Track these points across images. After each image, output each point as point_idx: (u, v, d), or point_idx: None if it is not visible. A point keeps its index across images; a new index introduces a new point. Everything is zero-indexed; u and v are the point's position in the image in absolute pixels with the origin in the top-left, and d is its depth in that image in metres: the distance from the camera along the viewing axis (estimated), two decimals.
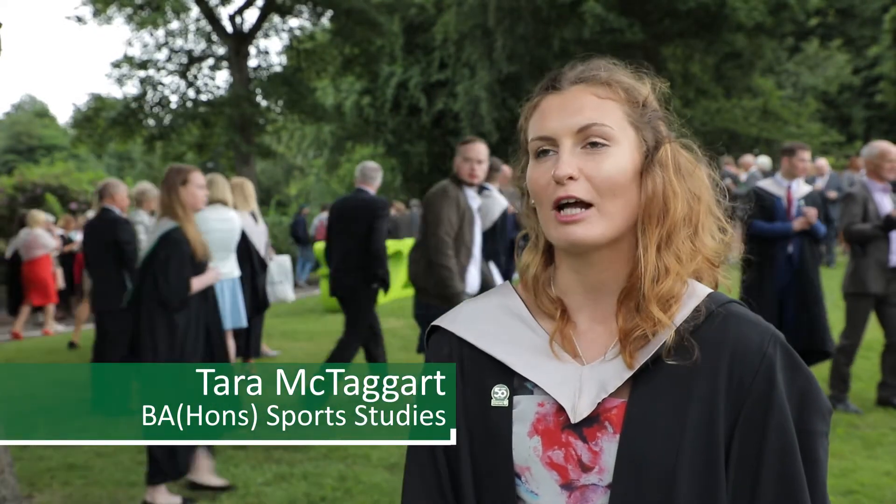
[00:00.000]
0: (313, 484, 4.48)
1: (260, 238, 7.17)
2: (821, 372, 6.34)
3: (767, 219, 5.56)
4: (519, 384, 1.11)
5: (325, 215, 19.67)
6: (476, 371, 1.13)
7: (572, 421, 1.06)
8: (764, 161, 13.02)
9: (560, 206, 1.06)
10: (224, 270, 6.32)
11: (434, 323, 1.20)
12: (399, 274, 13.18)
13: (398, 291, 13.10)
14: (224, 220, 6.31)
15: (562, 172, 1.05)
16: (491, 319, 1.17)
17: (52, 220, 12.74)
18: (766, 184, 5.85)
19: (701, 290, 1.10)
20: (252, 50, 21.72)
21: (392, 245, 13.30)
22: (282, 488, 4.44)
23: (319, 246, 11.96)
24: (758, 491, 1.02)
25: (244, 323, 6.47)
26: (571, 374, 1.08)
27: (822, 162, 12.58)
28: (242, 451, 5.13)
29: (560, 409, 1.07)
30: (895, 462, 4.54)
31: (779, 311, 5.50)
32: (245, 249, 6.84)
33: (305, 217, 19.78)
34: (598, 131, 1.07)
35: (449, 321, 1.18)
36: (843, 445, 4.76)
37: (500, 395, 1.10)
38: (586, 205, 1.06)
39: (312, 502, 4.25)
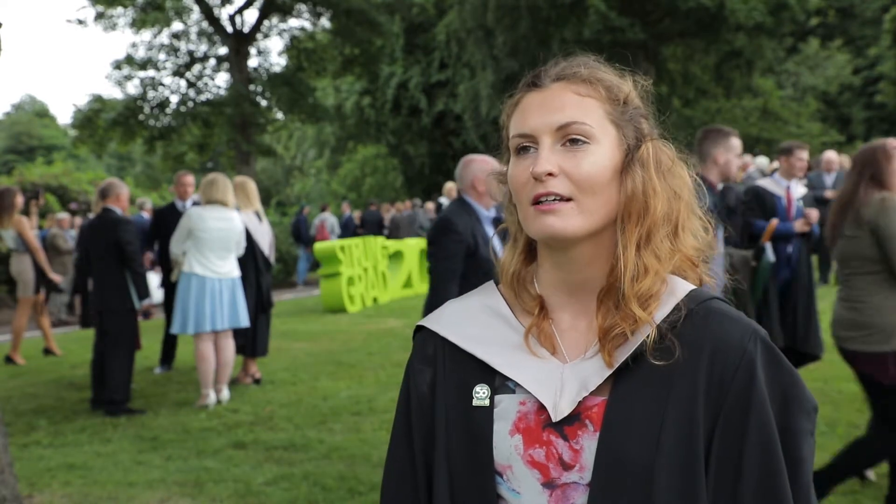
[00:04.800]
0: (314, 484, 4.48)
1: (264, 237, 7.14)
2: (824, 371, 6.33)
3: (768, 218, 5.54)
4: (500, 383, 1.11)
5: (325, 215, 19.69)
6: (459, 371, 1.14)
7: (553, 419, 1.06)
8: (762, 161, 12.79)
9: (539, 201, 1.07)
10: (223, 270, 6.33)
11: (419, 323, 1.21)
12: (399, 274, 13.18)
13: (398, 291, 13.10)
14: (223, 219, 6.31)
15: (540, 169, 1.05)
16: (473, 319, 1.17)
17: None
18: (766, 183, 5.83)
19: (682, 288, 1.10)
20: (252, 50, 21.73)
21: (392, 245, 13.30)
22: (282, 488, 4.44)
23: (319, 246, 11.95)
24: (739, 489, 1.01)
25: (244, 323, 6.47)
26: (552, 372, 1.09)
27: (831, 156, 11.05)
28: (243, 451, 5.13)
29: (541, 408, 1.07)
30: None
31: (780, 311, 5.48)
32: (249, 249, 6.84)
33: (306, 217, 19.79)
34: (577, 129, 1.06)
35: (433, 321, 1.20)
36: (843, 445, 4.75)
37: (481, 394, 1.11)
38: (565, 199, 1.06)
39: (313, 502, 4.25)
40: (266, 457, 5.01)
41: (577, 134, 1.07)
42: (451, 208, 4.08)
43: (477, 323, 1.17)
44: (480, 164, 4.09)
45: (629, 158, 1.09)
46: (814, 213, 5.53)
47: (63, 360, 8.82)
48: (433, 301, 3.84)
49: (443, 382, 1.15)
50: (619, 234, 1.08)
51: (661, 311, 1.07)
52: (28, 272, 8.60)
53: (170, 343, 7.87)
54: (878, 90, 27.80)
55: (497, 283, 1.22)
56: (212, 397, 6.31)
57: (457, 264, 3.83)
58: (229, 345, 6.49)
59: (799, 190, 5.69)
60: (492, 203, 4.06)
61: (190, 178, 7.72)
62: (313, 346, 8.89)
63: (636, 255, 1.07)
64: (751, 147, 22.26)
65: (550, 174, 1.05)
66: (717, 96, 25.51)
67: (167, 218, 7.45)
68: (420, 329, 1.21)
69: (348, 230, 18.83)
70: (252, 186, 7.21)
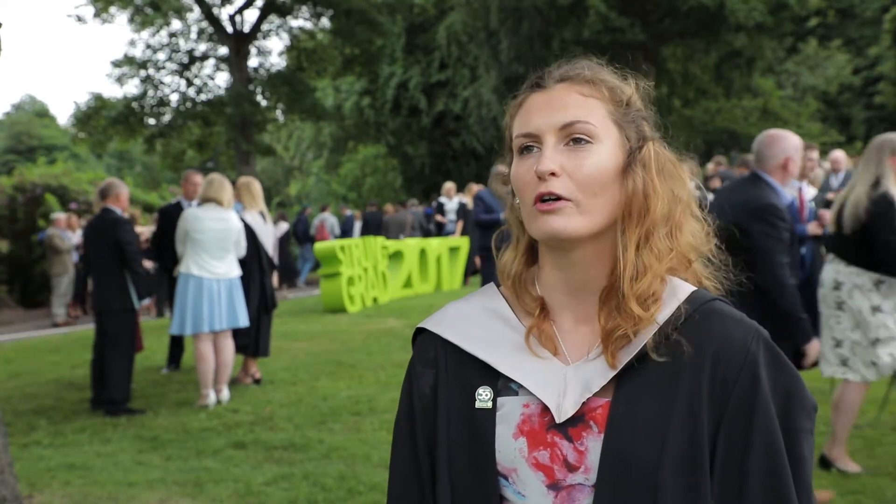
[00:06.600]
0: (314, 484, 4.47)
1: (268, 237, 7.12)
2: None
3: None
4: (503, 385, 1.11)
5: (325, 215, 19.70)
6: (461, 373, 1.13)
7: (557, 421, 1.06)
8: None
9: (541, 199, 1.07)
10: (220, 271, 6.33)
11: (420, 325, 1.21)
12: (399, 274, 13.17)
13: (398, 291, 13.09)
14: (219, 219, 6.30)
15: (544, 168, 1.05)
16: (475, 321, 1.17)
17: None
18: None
19: (683, 289, 1.10)
20: (252, 50, 21.74)
21: (392, 245, 13.29)
22: (282, 488, 4.44)
23: (319, 246, 11.96)
24: (744, 489, 1.02)
25: (242, 323, 6.46)
26: (556, 374, 1.09)
27: (839, 155, 10.33)
28: (243, 451, 5.13)
29: (545, 410, 1.07)
30: (895, 462, 4.54)
31: None
32: (254, 249, 6.83)
33: (307, 217, 19.81)
34: (581, 129, 1.07)
35: (434, 323, 1.19)
36: None
37: (484, 396, 1.10)
38: (566, 199, 1.06)
39: (313, 502, 4.25)
40: (266, 457, 5.01)
41: (580, 133, 1.07)
42: (763, 191, 3.76)
43: (479, 325, 1.16)
44: (792, 142, 3.77)
45: (631, 159, 1.10)
46: (828, 215, 5.48)
47: (63, 360, 8.82)
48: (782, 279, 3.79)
49: (445, 385, 1.14)
50: (620, 234, 1.08)
51: (664, 311, 1.07)
52: None
53: (177, 343, 7.84)
54: (878, 90, 27.78)
55: (498, 286, 1.22)
56: (212, 397, 6.31)
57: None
58: (228, 345, 6.49)
59: (810, 191, 5.63)
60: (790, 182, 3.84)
61: (198, 178, 7.70)
62: (313, 346, 8.88)
63: (636, 255, 1.07)
64: (750, 147, 22.28)
65: (553, 174, 1.05)
66: (717, 96, 25.52)
67: (173, 217, 7.45)
68: (420, 332, 1.21)
69: (348, 229, 18.84)
70: (257, 186, 7.23)
